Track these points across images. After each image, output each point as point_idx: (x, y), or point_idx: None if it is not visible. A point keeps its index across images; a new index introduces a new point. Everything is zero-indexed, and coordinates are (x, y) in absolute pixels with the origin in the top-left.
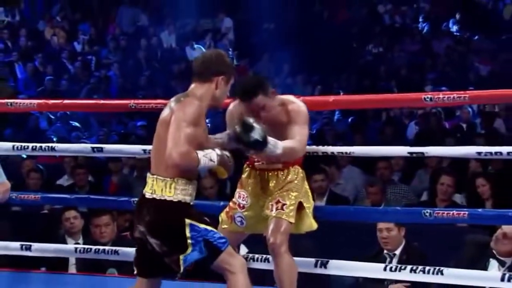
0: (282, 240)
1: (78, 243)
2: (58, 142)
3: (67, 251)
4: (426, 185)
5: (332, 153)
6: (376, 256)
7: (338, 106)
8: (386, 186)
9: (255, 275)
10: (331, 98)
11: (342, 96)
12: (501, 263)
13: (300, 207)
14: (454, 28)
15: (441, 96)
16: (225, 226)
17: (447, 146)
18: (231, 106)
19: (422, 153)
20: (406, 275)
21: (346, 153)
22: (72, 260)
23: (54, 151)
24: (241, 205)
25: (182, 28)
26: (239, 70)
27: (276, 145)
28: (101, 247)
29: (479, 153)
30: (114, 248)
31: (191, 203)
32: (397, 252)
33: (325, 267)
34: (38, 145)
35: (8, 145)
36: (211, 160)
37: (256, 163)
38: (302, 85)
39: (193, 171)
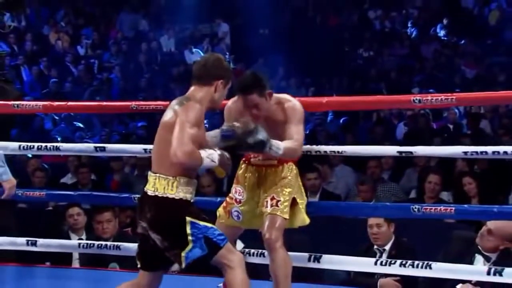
0: (277, 235)
1: (81, 239)
2: (62, 142)
3: (70, 246)
4: (415, 183)
5: (325, 152)
6: (366, 251)
7: (331, 107)
8: (377, 184)
9: (251, 269)
10: (324, 99)
11: (335, 97)
12: (486, 259)
13: (293, 202)
14: (442, 33)
15: (429, 98)
16: (223, 220)
17: (434, 145)
18: (229, 103)
19: (411, 152)
20: (396, 269)
21: (338, 152)
22: (76, 255)
23: (58, 151)
24: (238, 200)
25: (181, 32)
26: (236, 73)
27: (279, 146)
28: (103, 243)
29: (465, 153)
30: (115, 243)
31: (192, 201)
32: (387, 247)
33: (318, 262)
34: (43, 144)
35: (15, 144)
36: (213, 160)
37: (252, 159)
38: (296, 88)
39: (194, 170)
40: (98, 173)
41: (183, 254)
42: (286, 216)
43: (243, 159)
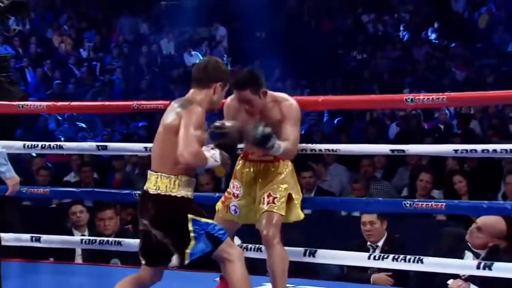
0: (275, 232)
1: (84, 235)
2: (65, 141)
3: (73, 242)
4: (407, 181)
5: (320, 150)
6: (360, 247)
7: (327, 106)
8: (370, 183)
9: (248, 264)
10: (320, 98)
11: (331, 96)
12: (476, 255)
13: (289, 198)
14: (433, 36)
15: (421, 97)
16: (221, 214)
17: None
18: (228, 100)
19: (403, 150)
20: (388, 263)
21: (332, 150)
22: (78, 251)
23: (62, 149)
24: (235, 194)
25: (180, 36)
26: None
27: (280, 146)
28: (105, 238)
29: (455, 151)
30: (117, 239)
31: (192, 198)
32: (380, 243)
33: (314, 256)
34: (47, 143)
35: (19, 144)
36: (216, 160)
37: (250, 156)
38: (292, 89)
39: (194, 169)
40: (100, 171)
41: (187, 251)
42: (283, 213)
43: (241, 155)
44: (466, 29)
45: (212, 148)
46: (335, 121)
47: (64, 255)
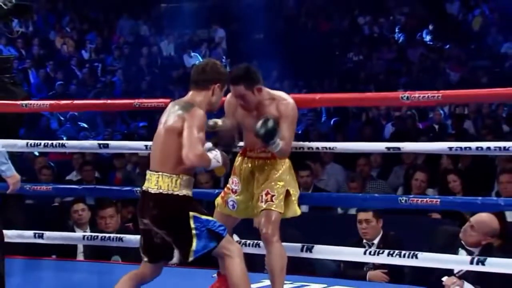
0: (274, 230)
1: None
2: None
3: (75, 239)
4: (402, 180)
5: (317, 148)
6: (356, 244)
7: (324, 103)
8: (366, 182)
9: (246, 262)
10: (317, 96)
11: (327, 94)
12: (469, 253)
13: (286, 194)
14: (427, 38)
15: (416, 95)
16: (220, 209)
17: None
18: (228, 97)
19: (399, 148)
20: (383, 258)
21: (329, 148)
22: (80, 248)
23: (64, 148)
24: (234, 190)
25: (180, 37)
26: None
27: (279, 144)
28: (107, 235)
29: (450, 148)
30: (118, 235)
31: (192, 196)
32: (375, 241)
33: (310, 251)
34: (49, 142)
35: (23, 142)
36: (218, 161)
37: (248, 152)
38: (289, 90)
39: (194, 169)
40: (102, 171)
41: (192, 248)
42: (281, 210)
43: (240, 152)
44: (460, 31)
45: (213, 149)
46: (332, 121)
47: (66, 252)
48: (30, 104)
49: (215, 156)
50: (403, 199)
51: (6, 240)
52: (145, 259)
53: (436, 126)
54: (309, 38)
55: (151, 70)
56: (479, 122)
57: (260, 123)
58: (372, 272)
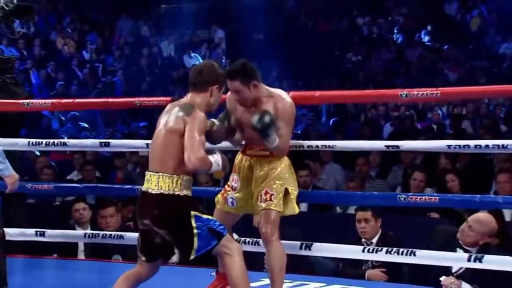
0: (273, 229)
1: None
2: None
3: (77, 237)
4: (400, 180)
5: (317, 146)
6: (355, 243)
7: (323, 100)
8: (365, 181)
9: (246, 260)
10: (317, 93)
11: (327, 91)
12: (467, 253)
13: (285, 192)
14: (426, 38)
15: (415, 92)
16: (219, 206)
17: None
18: (229, 93)
19: (398, 146)
20: (382, 256)
21: (328, 146)
22: (81, 247)
23: (65, 146)
24: (233, 187)
25: (180, 38)
26: None
27: (276, 140)
28: (108, 233)
29: (449, 146)
30: (119, 233)
31: (192, 196)
32: (374, 240)
33: (309, 249)
34: (51, 140)
35: (24, 141)
36: (218, 165)
37: (248, 150)
38: (288, 89)
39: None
40: (102, 170)
41: (194, 247)
42: (280, 209)
43: (240, 150)
44: (459, 32)
45: (214, 153)
46: (331, 121)
47: (67, 251)
48: (32, 103)
49: (216, 160)
50: (402, 197)
51: (8, 238)
52: (143, 258)
53: (435, 126)
54: (308, 39)
55: (152, 70)
56: (477, 122)
57: (257, 116)
58: (371, 271)
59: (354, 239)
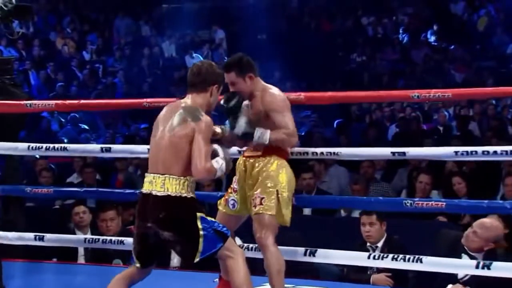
0: (267, 234)
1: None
2: (68, 143)
3: (76, 241)
4: (406, 183)
5: (322, 153)
6: (359, 247)
7: (334, 101)
8: (369, 184)
9: (248, 265)
10: (327, 94)
11: (338, 92)
12: (472, 258)
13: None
14: (432, 39)
15: (426, 94)
16: (221, 208)
17: (425, 146)
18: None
19: (404, 153)
20: (388, 263)
21: (334, 153)
22: (81, 252)
23: (66, 151)
24: (234, 189)
25: (181, 38)
26: None
27: (263, 136)
28: (108, 238)
29: (456, 153)
30: (120, 238)
31: (196, 198)
32: (379, 244)
33: (314, 256)
34: (51, 145)
35: (24, 145)
36: (222, 171)
37: (245, 152)
38: (292, 91)
39: None
40: (103, 173)
41: (199, 249)
42: (273, 212)
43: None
44: (465, 32)
45: (219, 158)
46: (335, 123)
47: (67, 255)
48: (35, 104)
49: (221, 166)
50: (408, 203)
51: (6, 242)
52: (137, 265)
53: (441, 128)
54: (312, 39)
55: (153, 71)
56: (484, 123)
57: (224, 97)
58: (376, 275)
59: (358, 242)
